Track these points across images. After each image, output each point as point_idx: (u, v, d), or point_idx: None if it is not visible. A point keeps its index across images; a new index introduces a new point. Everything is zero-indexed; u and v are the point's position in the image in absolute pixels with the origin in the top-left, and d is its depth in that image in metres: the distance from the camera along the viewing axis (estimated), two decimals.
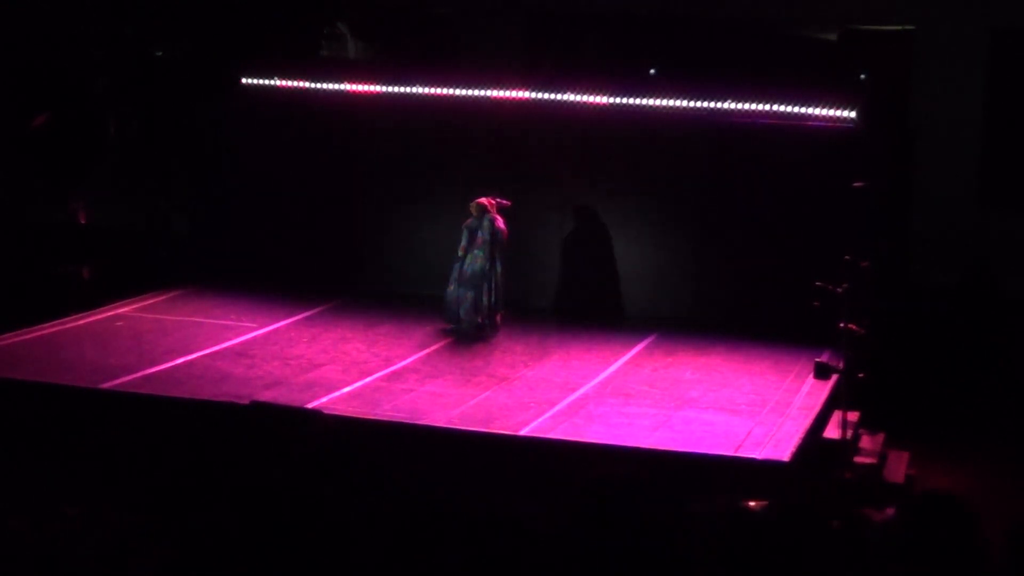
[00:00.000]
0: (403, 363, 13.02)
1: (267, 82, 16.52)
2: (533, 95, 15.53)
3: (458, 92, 15.86)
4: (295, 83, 16.42)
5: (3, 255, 17.18)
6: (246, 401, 11.17)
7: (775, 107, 14.65)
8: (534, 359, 13.35)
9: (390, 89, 16.13)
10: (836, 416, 11.71)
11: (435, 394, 12.02)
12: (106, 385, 11.76)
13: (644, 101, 15.11)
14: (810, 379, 12.28)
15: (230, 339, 13.60)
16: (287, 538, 8.54)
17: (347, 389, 12.06)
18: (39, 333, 13.57)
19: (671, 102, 15.02)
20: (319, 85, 16.37)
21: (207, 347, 13.24)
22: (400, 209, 15.78)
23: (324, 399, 11.62)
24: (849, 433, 11.66)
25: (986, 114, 17.48)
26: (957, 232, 17.18)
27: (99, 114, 18.01)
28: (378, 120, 15.98)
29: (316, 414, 10.95)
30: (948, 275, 16.48)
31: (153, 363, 12.52)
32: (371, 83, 16.19)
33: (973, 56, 17.43)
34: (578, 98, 15.36)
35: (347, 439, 10.59)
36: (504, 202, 14.26)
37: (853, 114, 14.31)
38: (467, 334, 14.00)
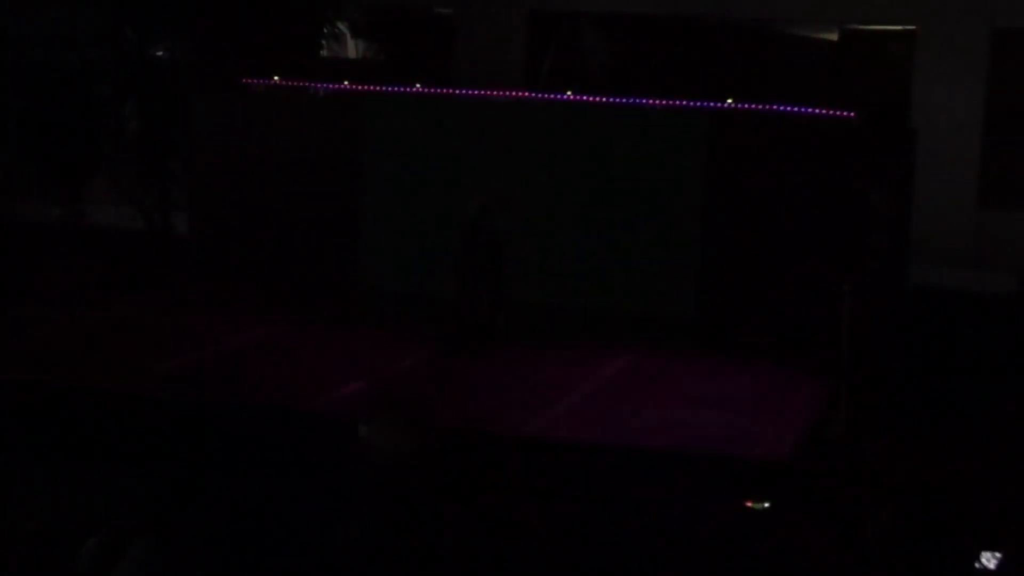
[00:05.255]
0: (403, 363, 13.01)
1: (267, 82, 16.53)
2: (532, 94, 15.55)
3: (458, 92, 15.89)
4: (295, 83, 16.44)
5: (3, 255, 17.18)
6: (246, 401, 11.17)
7: (775, 107, 14.66)
8: (535, 359, 13.34)
9: (390, 89, 16.15)
10: (836, 415, 11.70)
11: (437, 395, 12.01)
12: (106, 385, 11.75)
13: (643, 101, 15.15)
14: (810, 379, 12.28)
15: (230, 339, 13.59)
16: (288, 537, 8.52)
17: (347, 389, 12.05)
18: (38, 334, 13.56)
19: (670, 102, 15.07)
20: (319, 85, 16.39)
21: (207, 347, 13.23)
22: (401, 208, 15.78)
23: (324, 399, 11.61)
24: (849, 432, 11.65)
25: (987, 113, 17.50)
26: (956, 232, 17.20)
27: (99, 114, 18.02)
28: (378, 119, 15.97)
29: (316, 415, 10.94)
30: (947, 275, 16.50)
31: (153, 363, 12.51)
32: (371, 83, 16.20)
33: (974, 56, 17.44)
34: (577, 97, 15.39)
35: (347, 441, 10.60)
36: (504, 201, 14.27)
37: (853, 114, 14.32)
38: (467, 333, 13.99)
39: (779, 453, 10.57)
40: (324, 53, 19.57)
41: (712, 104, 14.91)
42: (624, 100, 15.26)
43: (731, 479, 10.10)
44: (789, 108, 14.60)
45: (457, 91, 15.91)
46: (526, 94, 15.61)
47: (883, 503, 11.16)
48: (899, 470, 12.06)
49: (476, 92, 15.86)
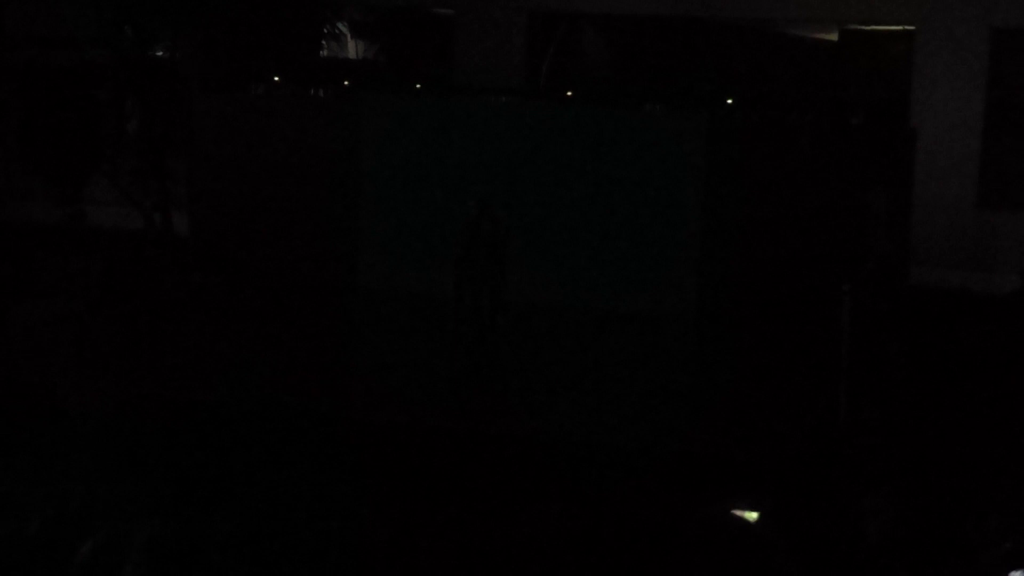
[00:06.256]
0: (402, 362, 13.02)
1: (267, 82, 16.54)
2: (537, 95, 15.56)
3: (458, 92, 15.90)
4: (295, 82, 16.45)
5: (3, 255, 17.18)
6: (249, 401, 11.17)
7: (775, 107, 14.66)
8: (535, 358, 13.35)
9: (388, 88, 16.16)
10: (836, 414, 11.71)
11: (434, 394, 12.02)
12: (105, 385, 11.75)
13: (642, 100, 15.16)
14: (811, 378, 12.28)
15: (231, 338, 13.60)
16: (289, 539, 8.51)
17: (347, 389, 12.06)
18: (38, 334, 13.56)
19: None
20: (319, 84, 16.40)
21: (207, 346, 13.24)
22: (401, 208, 15.78)
23: (324, 399, 11.62)
24: (848, 430, 11.65)
25: (987, 113, 17.49)
26: (956, 232, 17.19)
27: (99, 114, 18.01)
28: (378, 119, 15.97)
29: (320, 413, 10.95)
30: (947, 275, 16.49)
31: (154, 363, 12.52)
32: (371, 83, 16.21)
33: (974, 56, 17.44)
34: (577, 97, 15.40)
35: (347, 439, 10.60)
36: (504, 200, 14.27)
37: (854, 114, 14.32)
38: (468, 334, 13.99)
39: (779, 453, 10.57)
40: (324, 53, 19.57)
41: (711, 104, 14.91)
42: (624, 100, 15.25)
43: (730, 479, 10.09)
44: (789, 108, 14.60)
45: (456, 91, 15.91)
46: (526, 94, 15.61)
47: (883, 503, 11.16)
48: (899, 470, 12.06)
49: (475, 92, 15.86)
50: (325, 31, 19.18)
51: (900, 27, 18.03)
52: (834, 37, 18.65)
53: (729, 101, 15.63)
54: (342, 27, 19.78)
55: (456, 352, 13.63)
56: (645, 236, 15.02)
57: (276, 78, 16.61)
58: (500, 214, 14.12)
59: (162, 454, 10.72)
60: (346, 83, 16.93)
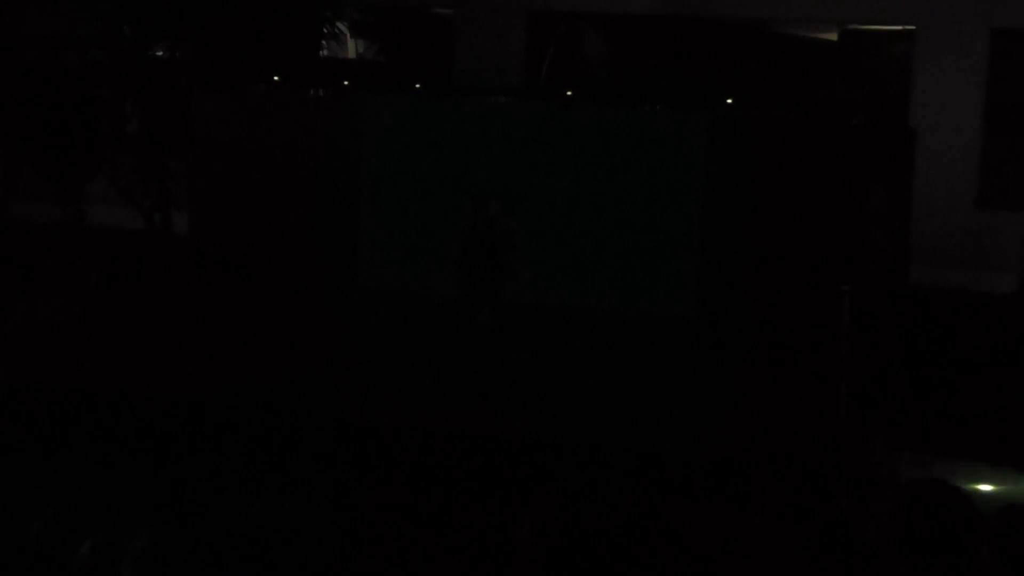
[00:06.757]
0: (402, 363, 13.02)
1: (267, 82, 16.54)
2: (537, 95, 15.57)
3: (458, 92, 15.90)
4: (295, 82, 16.43)
5: (3, 255, 17.19)
6: (248, 401, 11.16)
7: (775, 107, 14.67)
8: (535, 357, 13.34)
9: (388, 88, 16.16)
10: (837, 415, 11.70)
11: (434, 394, 12.02)
12: (105, 385, 11.74)
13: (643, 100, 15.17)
14: (811, 379, 12.28)
15: (230, 338, 13.59)
16: (287, 540, 8.51)
17: (346, 389, 12.05)
18: (38, 334, 13.55)
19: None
20: (319, 84, 16.40)
21: (207, 347, 13.23)
22: (402, 207, 15.78)
23: (323, 399, 11.61)
24: (849, 432, 11.64)
25: (987, 113, 17.50)
26: (956, 232, 17.20)
27: (99, 114, 18.01)
28: (378, 119, 15.98)
29: (319, 413, 10.94)
30: (947, 275, 16.50)
31: (155, 363, 12.51)
32: (371, 83, 16.21)
33: (974, 56, 17.45)
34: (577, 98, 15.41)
35: (346, 439, 10.60)
36: (504, 200, 14.26)
37: (854, 114, 14.32)
38: (469, 333, 13.99)
39: (779, 453, 10.56)
40: (324, 53, 19.57)
41: (712, 104, 14.91)
42: (624, 100, 15.26)
43: (730, 479, 10.09)
44: (789, 108, 14.61)
45: (456, 91, 15.92)
46: (526, 94, 15.61)
47: (883, 503, 11.16)
48: (899, 470, 12.04)
49: (475, 92, 15.88)
50: (325, 31, 19.18)
51: (900, 27, 18.04)
52: (834, 37, 18.66)
53: (729, 101, 15.63)
54: (342, 27, 19.77)
55: (456, 352, 13.64)
56: (646, 236, 15.01)
57: (276, 78, 16.60)
58: (499, 214, 14.13)
59: (161, 455, 10.72)
60: (346, 83, 16.91)
